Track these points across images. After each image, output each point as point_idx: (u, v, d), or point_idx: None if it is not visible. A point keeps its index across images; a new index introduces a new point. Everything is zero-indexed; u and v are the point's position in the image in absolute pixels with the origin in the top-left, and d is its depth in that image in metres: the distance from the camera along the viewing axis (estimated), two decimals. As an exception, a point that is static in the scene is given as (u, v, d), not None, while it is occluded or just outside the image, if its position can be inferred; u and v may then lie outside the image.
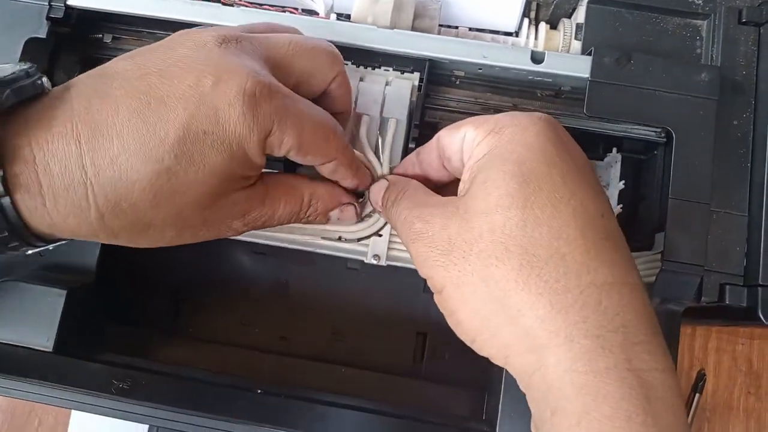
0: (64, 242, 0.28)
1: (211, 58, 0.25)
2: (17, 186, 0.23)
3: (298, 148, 0.27)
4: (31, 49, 0.37)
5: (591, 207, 0.24)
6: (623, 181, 0.42)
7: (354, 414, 0.33)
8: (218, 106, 0.24)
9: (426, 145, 0.31)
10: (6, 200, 0.23)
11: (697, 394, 0.47)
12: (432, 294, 0.27)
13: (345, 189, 0.31)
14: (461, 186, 0.27)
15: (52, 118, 0.24)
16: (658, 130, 0.38)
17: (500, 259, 0.23)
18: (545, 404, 0.22)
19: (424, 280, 0.28)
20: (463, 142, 0.27)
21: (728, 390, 0.47)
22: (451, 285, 0.24)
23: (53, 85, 0.40)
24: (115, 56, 0.39)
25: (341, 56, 0.30)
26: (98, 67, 0.26)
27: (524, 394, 0.24)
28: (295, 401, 0.33)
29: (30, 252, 0.27)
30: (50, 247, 0.28)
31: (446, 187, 0.32)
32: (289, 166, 0.33)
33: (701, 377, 0.47)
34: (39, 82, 0.25)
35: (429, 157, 0.30)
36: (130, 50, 0.39)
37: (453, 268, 0.24)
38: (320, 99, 0.30)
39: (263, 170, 0.28)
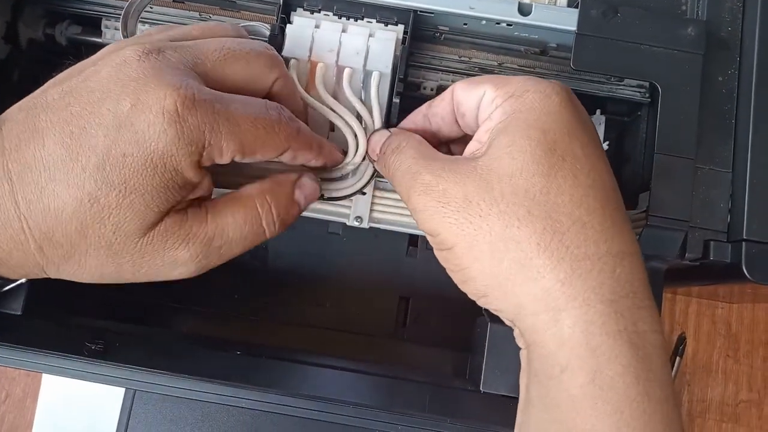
0: (18, 283, 0.29)
1: (130, 77, 0.24)
2: None
3: (242, 151, 0.25)
4: (-8, -2, 0.35)
5: (607, 180, 0.25)
6: (607, 143, 0.41)
7: (337, 373, 0.32)
8: (137, 127, 0.24)
9: (439, 97, 0.30)
10: None
11: (678, 358, 0.48)
12: (415, 258, 0.27)
13: (290, 168, 0.30)
14: (475, 146, 0.27)
15: None
16: (642, 90, 0.38)
17: (522, 222, 0.23)
18: (554, 360, 0.23)
19: (407, 245, 0.27)
20: (481, 101, 0.27)
21: (707, 353, 0.48)
22: (464, 242, 0.24)
23: (15, 39, 0.39)
24: (83, 9, 0.38)
25: (280, 58, 0.29)
26: (29, 97, 0.26)
27: (508, 352, 0.26)
28: (275, 362, 0.32)
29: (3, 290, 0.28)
30: (4, 288, 0.28)
31: (454, 143, 0.32)
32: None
33: (681, 341, 0.48)
34: None
35: (442, 110, 0.30)
36: (101, 3, 0.38)
37: (468, 226, 0.24)
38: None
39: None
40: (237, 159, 0.26)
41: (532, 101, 0.25)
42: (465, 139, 0.30)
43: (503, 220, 0.23)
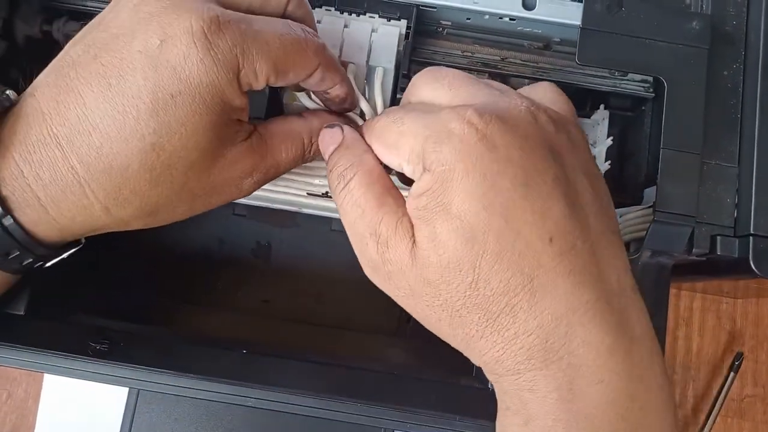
0: (80, 245, 0.28)
1: (150, 14, 0.24)
2: (15, 204, 0.24)
3: (276, 71, 0.25)
4: (-10, -6, 0.35)
5: (536, 239, 0.23)
6: (611, 138, 0.41)
7: (343, 371, 0.32)
8: (174, 63, 0.23)
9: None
10: (8, 220, 0.24)
11: (733, 374, 0.47)
12: None
13: (336, 113, 0.30)
14: (410, 208, 0.25)
15: (28, 128, 0.24)
16: (647, 84, 0.38)
17: (461, 314, 0.24)
18: (502, 399, 0.25)
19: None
20: (404, 170, 0.26)
21: (712, 348, 0.48)
22: (420, 319, 0.25)
23: (12, 36, 0.38)
24: (84, 6, 0.38)
25: None
26: (54, 61, 0.26)
27: None
28: (281, 360, 0.32)
29: (51, 263, 0.28)
30: (65, 255, 0.28)
31: None
32: (274, 111, 0.31)
33: (738, 356, 0.47)
34: (4, 95, 0.25)
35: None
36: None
37: (420, 311, 0.25)
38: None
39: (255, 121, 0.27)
40: (271, 81, 0.26)
41: (441, 179, 0.23)
42: None
43: (446, 311, 0.24)
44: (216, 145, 0.25)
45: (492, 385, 0.26)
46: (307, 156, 0.29)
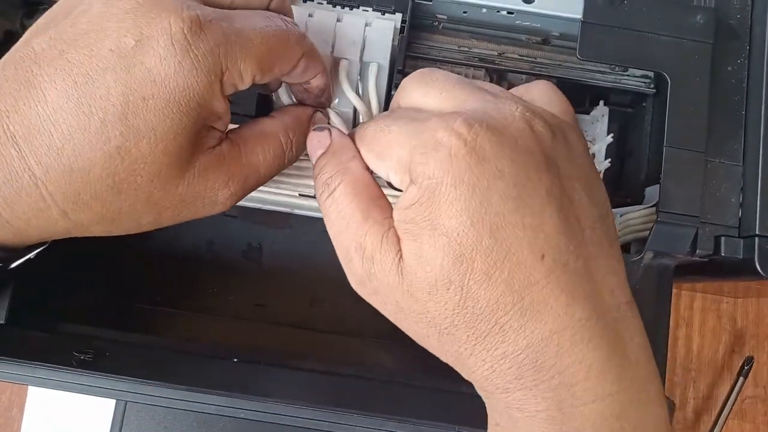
0: (43, 247, 0.27)
1: (125, 10, 0.22)
2: None
3: (261, 69, 0.24)
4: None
5: (527, 257, 0.22)
6: (611, 135, 0.40)
7: (338, 379, 0.31)
8: (149, 65, 0.22)
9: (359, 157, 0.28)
10: None
11: (742, 378, 0.46)
12: None
13: (303, 105, 0.29)
14: (397, 220, 0.24)
15: None
16: (647, 80, 0.37)
17: (449, 331, 0.23)
18: (491, 416, 0.25)
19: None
20: (391, 180, 0.25)
21: (713, 348, 0.48)
22: (409, 334, 0.25)
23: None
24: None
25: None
26: (11, 52, 0.24)
27: None
28: (274, 369, 0.31)
29: (13, 266, 0.26)
30: (31, 255, 0.26)
31: None
32: (265, 108, 0.30)
33: (748, 361, 0.46)
34: None
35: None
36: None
37: (408, 327, 0.24)
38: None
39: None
40: (257, 80, 0.25)
41: (428, 193, 0.22)
42: None
43: (434, 328, 0.23)
44: (185, 152, 0.24)
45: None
46: (289, 155, 0.28)
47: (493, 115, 0.23)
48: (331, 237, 0.25)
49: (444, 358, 0.24)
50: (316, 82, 0.28)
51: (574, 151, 0.24)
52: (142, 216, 0.24)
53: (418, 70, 0.27)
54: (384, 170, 0.25)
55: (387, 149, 0.24)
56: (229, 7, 0.25)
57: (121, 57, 0.22)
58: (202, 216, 0.26)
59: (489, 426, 0.25)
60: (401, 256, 0.23)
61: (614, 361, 0.22)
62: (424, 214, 0.22)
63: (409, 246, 0.23)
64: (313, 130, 0.27)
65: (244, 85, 0.24)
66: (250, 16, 0.25)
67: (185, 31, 0.22)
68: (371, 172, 0.26)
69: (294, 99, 0.30)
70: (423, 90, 0.25)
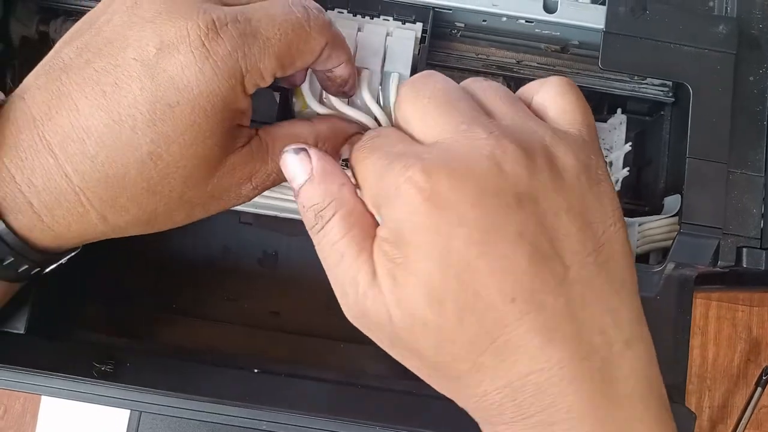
0: (77, 251, 0.27)
1: (145, 19, 0.23)
2: (8, 209, 0.23)
3: (282, 66, 0.24)
4: (-17, -5, 0.33)
5: (496, 299, 0.21)
6: (629, 143, 0.40)
7: (354, 390, 0.31)
8: (171, 73, 0.22)
9: None
10: (0, 225, 0.23)
11: (760, 389, 0.46)
12: None
13: (347, 122, 0.29)
14: (376, 252, 0.23)
15: (17, 132, 0.23)
16: (666, 89, 0.37)
17: (431, 374, 0.24)
18: None
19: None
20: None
21: (728, 357, 0.47)
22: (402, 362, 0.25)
23: (7, 37, 0.37)
24: (81, 6, 0.36)
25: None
26: (43, 62, 0.24)
27: None
28: (293, 380, 0.30)
29: (48, 269, 0.27)
30: (63, 260, 0.27)
31: None
32: (285, 117, 0.30)
33: (766, 371, 0.46)
34: None
35: None
36: (97, -1, 0.36)
37: (404, 363, 0.24)
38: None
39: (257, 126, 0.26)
40: (278, 75, 0.25)
41: (396, 234, 0.22)
42: None
43: (422, 367, 0.24)
44: (215, 153, 0.24)
45: None
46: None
47: (457, 157, 0.22)
48: (325, 268, 0.25)
49: (438, 390, 0.25)
50: (340, 72, 0.27)
51: (563, 179, 0.22)
52: (176, 214, 0.25)
53: (417, 74, 0.26)
54: (363, 199, 0.24)
55: (362, 182, 0.24)
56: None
57: (144, 65, 0.23)
58: (228, 208, 0.27)
59: None
60: (385, 299, 0.22)
61: (596, 403, 0.22)
62: (397, 251, 0.22)
63: (387, 283, 0.22)
64: (288, 150, 0.25)
65: (266, 83, 0.24)
66: (269, 7, 0.24)
67: (202, 38, 0.22)
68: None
69: (316, 98, 0.30)
70: (413, 105, 0.25)
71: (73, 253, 0.27)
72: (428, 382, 0.25)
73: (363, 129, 0.29)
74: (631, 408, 0.22)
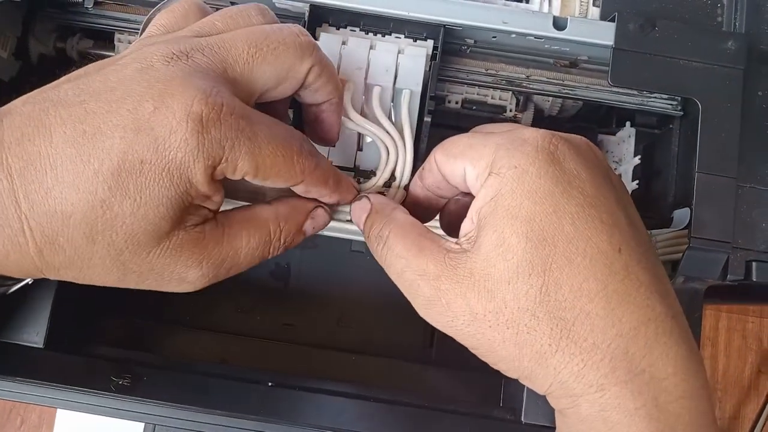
0: (21, 284, 0.27)
1: (156, 79, 0.23)
2: None
3: (255, 173, 0.24)
4: (3, 13, 0.34)
5: (606, 247, 0.23)
6: (638, 156, 0.40)
7: (370, 405, 0.31)
8: (158, 133, 0.22)
9: (426, 168, 0.29)
10: None
11: None
12: None
13: (305, 199, 0.29)
14: (469, 226, 0.25)
15: None
16: (674, 102, 0.37)
17: (530, 327, 0.23)
18: (578, 430, 0.24)
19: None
20: (465, 178, 0.26)
21: (739, 369, 0.47)
22: (483, 348, 0.24)
23: (26, 55, 0.37)
24: (97, 24, 0.37)
25: (312, 42, 0.27)
26: (38, 90, 0.24)
27: None
28: (306, 393, 0.31)
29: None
30: (10, 291, 0.27)
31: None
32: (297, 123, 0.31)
33: None
34: None
35: (435, 181, 0.29)
36: (114, 17, 0.37)
37: (481, 337, 0.24)
38: (300, 92, 0.28)
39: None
40: (248, 179, 0.25)
41: (512, 181, 0.24)
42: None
43: (512, 328, 0.23)
44: (164, 224, 0.24)
45: (556, 416, 0.25)
46: (275, 244, 0.27)
47: (563, 134, 0.25)
48: (394, 279, 0.26)
49: (519, 370, 0.24)
50: (325, 200, 0.28)
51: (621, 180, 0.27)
52: (109, 271, 0.24)
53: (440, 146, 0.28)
54: (460, 165, 0.26)
55: (466, 149, 0.26)
56: (262, 94, 0.25)
57: (135, 119, 0.22)
58: (166, 290, 0.26)
59: None
60: (473, 261, 0.24)
61: (696, 357, 0.23)
62: (507, 202, 0.24)
63: (490, 237, 0.24)
64: (355, 201, 0.29)
65: (234, 177, 0.24)
66: (273, 126, 0.25)
67: (203, 115, 0.22)
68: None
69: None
70: (462, 150, 0.26)
71: (19, 285, 0.27)
72: (510, 357, 0.24)
73: (321, 203, 0.29)
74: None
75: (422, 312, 0.25)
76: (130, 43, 0.39)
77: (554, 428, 0.30)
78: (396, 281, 0.26)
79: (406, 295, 0.26)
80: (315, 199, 0.29)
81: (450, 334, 0.25)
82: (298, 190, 0.27)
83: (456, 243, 0.25)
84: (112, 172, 0.22)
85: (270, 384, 0.30)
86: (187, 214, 0.24)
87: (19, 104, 0.23)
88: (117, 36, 0.39)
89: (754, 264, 0.32)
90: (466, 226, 0.25)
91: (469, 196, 0.29)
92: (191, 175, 0.23)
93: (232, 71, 0.25)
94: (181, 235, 0.24)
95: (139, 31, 0.32)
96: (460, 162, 0.26)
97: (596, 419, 0.23)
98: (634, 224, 0.25)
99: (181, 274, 0.25)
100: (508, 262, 0.23)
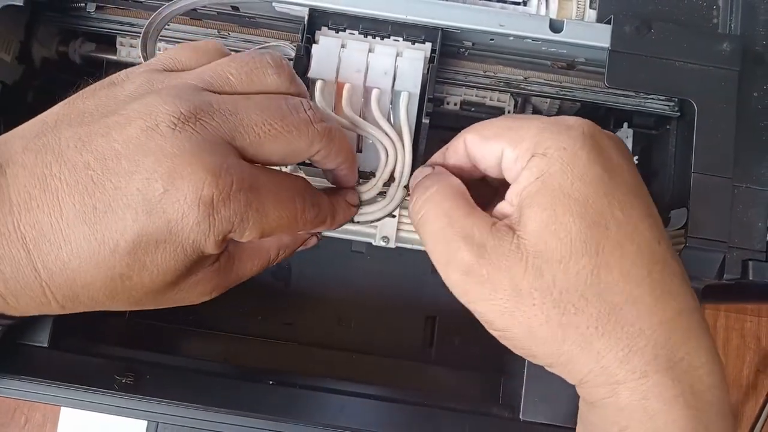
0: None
1: (164, 152, 0.22)
2: None
3: (260, 237, 0.25)
4: (6, 18, 0.34)
5: (650, 237, 0.24)
6: (636, 157, 0.41)
7: (370, 402, 0.31)
8: (170, 216, 0.22)
9: (452, 149, 0.29)
10: None
11: None
12: (440, 277, 0.26)
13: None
14: (507, 208, 0.25)
15: None
16: (671, 104, 0.37)
17: (578, 307, 0.23)
18: (614, 421, 0.24)
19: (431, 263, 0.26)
20: (502, 160, 0.26)
21: (737, 368, 0.48)
22: (518, 329, 0.24)
23: (29, 59, 0.38)
24: (100, 28, 0.37)
25: (325, 131, 0.26)
26: (36, 131, 0.23)
27: (548, 378, 0.25)
28: (308, 392, 0.31)
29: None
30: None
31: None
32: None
33: None
34: None
35: (459, 162, 0.28)
36: (116, 21, 0.37)
37: (521, 315, 0.23)
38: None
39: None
40: (251, 239, 0.25)
41: (561, 162, 0.24)
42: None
43: (559, 308, 0.23)
44: (182, 278, 0.25)
45: (587, 409, 0.25)
46: (271, 265, 0.29)
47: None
48: (428, 236, 0.26)
49: (557, 354, 0.23)
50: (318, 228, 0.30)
51: None
52: (127, 308, 0.26)
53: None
54: (495, 148, 0.26)
55: (504, 130, 0.26)
56: (270, 157, 0.25)
57: (145, 200, 0.22)
58: (177, 305, 0.27)
59: None
60: (519, 236, 0.23)
61: (717, 350, 0.24)
62: (556, 183, 0.24)
63: (539, 215, 0.23)
64: (418, 169, 0.30)
65: (242, 241, 0.25)
66: (278, 191, 0.25)
67: (213, 198, 0.22)
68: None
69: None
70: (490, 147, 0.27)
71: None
72: (550, 338, 0.23)
73: (317, 232, 0.31)
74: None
75: (454, 278, 0.24)
76: (132, 46, 0.39)
77: (553, 426, 0.30)
78: (429, 240, 0.25)
79: (436, 256, 0.25)
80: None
81: (477, 310, 0.24)
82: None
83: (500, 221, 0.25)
84: (128, 252, 0.22)
85: (270, 382, 0.31)
86: (201, 262, 0.25)
87: (18, 150, 0.23)
88: (119, 40, 0.39)
89: (750, 263, 0.32)
90: (504, 209, 0.25)
91: (486, 184, 0.29)
92: (202, 247, 0.23)
93: (242, 140, 0.24)
94: (198, 275, 0.26)
95: (141, 35, 0.32)
96: (496, 144, 0.26)
97: (636, 408, 0.23)
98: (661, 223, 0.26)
99: (192, 299, 0.27)
100: (561, 240, 0.23)
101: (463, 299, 0.25)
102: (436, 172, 0.28)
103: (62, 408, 0.40)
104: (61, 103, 0.25)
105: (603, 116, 0.43)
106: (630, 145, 0.41)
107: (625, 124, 0.41)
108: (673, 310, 0.23)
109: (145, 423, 0.35)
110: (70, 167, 0.22)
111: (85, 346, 0.31)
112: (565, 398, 0.30)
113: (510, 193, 0.25)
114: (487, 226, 0.24)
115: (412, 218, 0.27)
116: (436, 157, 0.30)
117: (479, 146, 0.27)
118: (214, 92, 0.25)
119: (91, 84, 0.26)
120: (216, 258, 0.26)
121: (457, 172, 0.29)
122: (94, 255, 0.22)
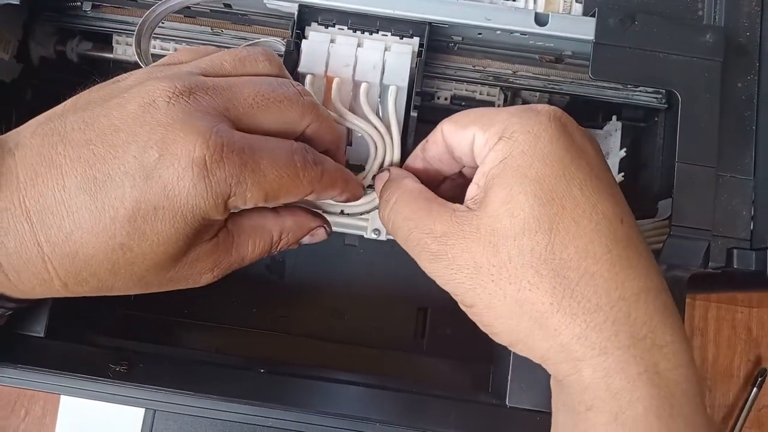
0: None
1: (158, 122, 0.23)
2: None
3: (265, 199, 0.25)
4: (4, 17, 0.35)
5: (611, 215, 0.24)
6: (624, 149, 0.41)
7: (360, 390, 0.32)
8: (166, 181, 0.23)
9: (431, 140, 0.29)
10: None
11: (756, 389, 0.47)
12: None
13: (313, 214, 0.30)
14: (474, 190, 0.26)
15: None
16: (659, 96, 0.38)
17: (532, 283, 0.23)
18: (579, 400, 0.24)
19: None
20: (473, 145, 0.27)
21: (728, 358, 0.48)
22: (482, 304, 0.24)
23: (27, 58, 0.39)
24: (96, 27, 0.38)
25: (314, 103, 0.28)
26: (45, 118, 0.24)
27: (533, 365, 0.25)
28: (300, 380, 0.32)
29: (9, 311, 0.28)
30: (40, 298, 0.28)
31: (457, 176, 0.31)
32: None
33: (762, 373, 0.47)
34: None
35: (437, 153, 0.29)
36: (112, 20, 0.38)
37: (482, 291, 0.24)
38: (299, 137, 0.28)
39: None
40: (259, 204, 0.26)
41: (524, 144, 0.25)
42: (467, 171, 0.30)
43: (514, 283, 0.23)
44: (183, 250, 0.25)
45: (558, 390, 0.25)
46: (274, 249, 0.29)
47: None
48: (401, 242, 0.27)
49: (516, 331, 0.24)
50: (336, 199, 0.30)
51: None
52: (132, 289, 0.26)
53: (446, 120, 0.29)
54: (470, 132, 0.27)
55: (477, 117, 0.27)
56: (264, 127, 0.26)
57: (142, 166, 0.23)
58: (183, 288, 0.28)
59: (571, 419, 0.24)
60: (479, 217, 0.24)
61: (685, 331, 0.24)
62: (516, 164, 0.24)
63: (498, 194, 0.24)
64: (376, 176, 0.31)
65: (247, 207, 0.26)
66: (275, 149, 0.25)
67: (206, 158, 0.23)
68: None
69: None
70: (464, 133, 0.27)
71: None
72: (508, 315, 0.24)
73: (325, 221, 0.31)
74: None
75: (428, 267, 0.26)
76: (127, 44, 0.40)
77: (537, 411, 0.31)
78: (404, 244, 0.27)
79: (413, 255, 0.26)
80: (320, 216, 0.31)
81: (450, 290, 0.25)
82: (310, 198, 0.28)
83: (462, 205, 0.26)
84: (128, 219, 0.23)
85: (262, 371, 0.31)
86: (203, 232, 0.25)
87: (27, 135, 0.24)
88: (115, 38, 0.40)
89: (735, 251, 0.33)
90: (471, 191, 0.26)
91: (464, 177, 0.30)
92: (203, 213, 0.24)
93: (235, 111, 0.25)
94: (198, 249, 0.26)
95: (135, 34, 0.33)
96: (469, 130, 0.27)
97: (600, 386, 0.23)
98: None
99: (196, 278, 0.27)
100: (515, 218, 0.24)
101: (439, 282, 0.26)
102: (393, 177, 0.29)
103: (61, 401, 0.41)
104: (71, 98, 0.26)
105: (592, 109, 0.44)
106: (619, 138, 0.42)
107: (614, 117, 0.42)
108: (636, 287, 0.23)
109: (142, 412, 0.36)
110: (74, 145, 0.23)
111: (81, 337, 0.32)
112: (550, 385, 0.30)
113: (477, 175, 0.26)
114: (447, 216, 0.25)
115: (386, 228, 0.29)
116: (418, 149, 0.30)
117: (455, 134, 0.27)
118: (210, 77, 0.26)
119: (99, 82, 0.27)
120: (215, 233, 0.26)
121: (437, 164, 0.30)
122: (95, 224, 0.23)
